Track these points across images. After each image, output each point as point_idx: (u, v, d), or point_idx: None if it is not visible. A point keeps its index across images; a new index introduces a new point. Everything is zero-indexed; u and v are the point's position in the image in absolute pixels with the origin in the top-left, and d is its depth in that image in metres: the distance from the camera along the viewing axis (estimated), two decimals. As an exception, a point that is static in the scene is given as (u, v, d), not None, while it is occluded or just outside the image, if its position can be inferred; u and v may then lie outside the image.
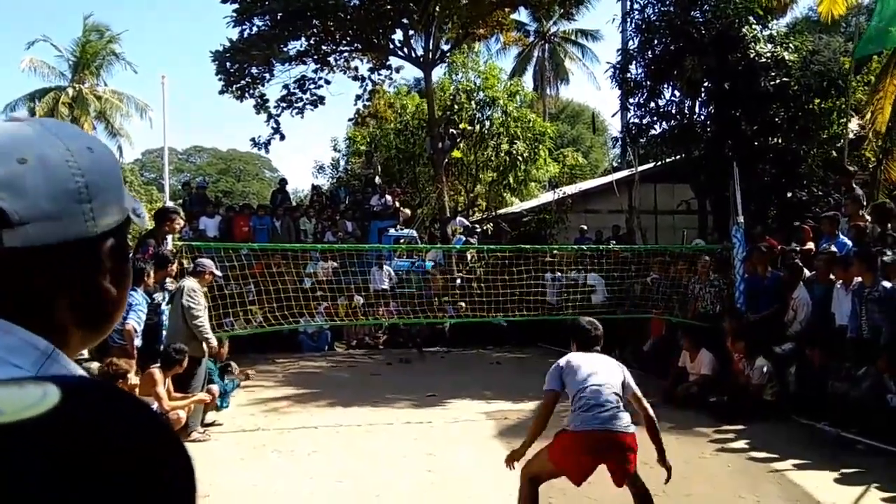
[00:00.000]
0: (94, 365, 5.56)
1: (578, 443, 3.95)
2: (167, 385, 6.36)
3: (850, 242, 8.31)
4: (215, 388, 7.34)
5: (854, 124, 14.22)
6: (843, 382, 6.68)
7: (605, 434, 3.86)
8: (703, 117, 14.44)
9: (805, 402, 7.17)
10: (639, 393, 4.05)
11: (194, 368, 6.61)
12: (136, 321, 6.40)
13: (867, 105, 14.84)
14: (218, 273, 7.23)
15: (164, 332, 7.04)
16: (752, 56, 12.72)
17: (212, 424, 7.10)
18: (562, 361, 4.14)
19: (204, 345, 6.69)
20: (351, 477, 5.50)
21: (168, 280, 7.32)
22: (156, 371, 6.20)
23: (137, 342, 6.40)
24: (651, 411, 4.02)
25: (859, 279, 7.07)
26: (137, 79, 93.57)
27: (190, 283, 6.79)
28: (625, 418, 3.88)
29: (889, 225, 8.15)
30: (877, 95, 14.91)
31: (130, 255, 0.84)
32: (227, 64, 16.61)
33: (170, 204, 8.39)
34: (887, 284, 6.79)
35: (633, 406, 4.05)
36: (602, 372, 4.01)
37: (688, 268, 10.22)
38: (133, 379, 5.78)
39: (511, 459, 4.19)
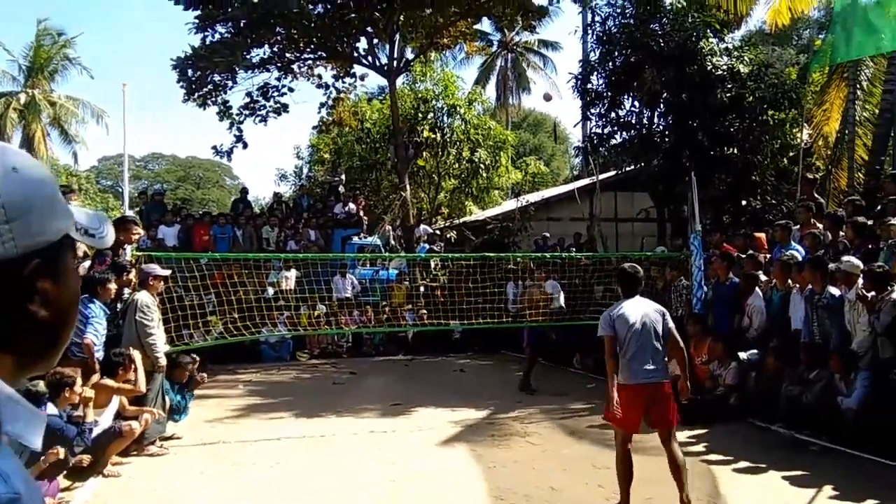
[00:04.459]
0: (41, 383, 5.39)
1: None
2: (121, 400, 6.21)
3: (802, 250, 8.56)
4: (167, 400, 7.21)
5: (805, 134, 14.71)
6: (797, 386, 6.87)
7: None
8: (661, 128, 14.75)
9: (761, 405, 7.35)
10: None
11: (148, 382, 6.47)
12: (93, 334, 6.25)
13: (813, 115, 15.39)
14: (162, 272, 7.09)
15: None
16: (708, 68, 13.05)
17: (170, 438, 6.96)
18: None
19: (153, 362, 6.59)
20: (314, 489, 5.45)
21: (126, 290, 7.17)
22: (108, 381, 6.05)
23: (99, 355, 6.25)
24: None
25: (810, 286, 7.29)
26: (94, 84, 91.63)
27: (143, 297, 6.66)
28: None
29: (840, 233, 8.42)
30: (823, 106, 15.48)
31: (70, 274, 0.81)
32: (189, 71, 16.36)
33: (129, 213, 8.21)
34: (835, 292, 7.01)
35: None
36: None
37: (660, 274, 10.40)
38: (87, 392, 5.63)
39: (607, 408, 4.74)
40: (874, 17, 10.02)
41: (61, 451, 4.78)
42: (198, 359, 8.18)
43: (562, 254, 12.90)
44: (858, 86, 14.42)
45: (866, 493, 4.97)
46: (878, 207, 9.18)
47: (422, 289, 14.42)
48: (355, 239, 15.99)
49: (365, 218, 17.29)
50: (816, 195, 10.77)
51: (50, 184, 0.79)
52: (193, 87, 16.88)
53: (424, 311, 12.98)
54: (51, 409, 5.17)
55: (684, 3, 13.93)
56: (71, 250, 0.82)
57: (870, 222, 8.09)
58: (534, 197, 19.47)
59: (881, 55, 12.61)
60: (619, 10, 14.70)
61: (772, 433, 6.92)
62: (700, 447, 6.57)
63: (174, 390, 7.58)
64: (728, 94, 13.11)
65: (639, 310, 4.69)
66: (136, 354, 6.24)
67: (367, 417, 8.09)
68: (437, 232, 18.50)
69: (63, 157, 31.62)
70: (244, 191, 19.52)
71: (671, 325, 4.74)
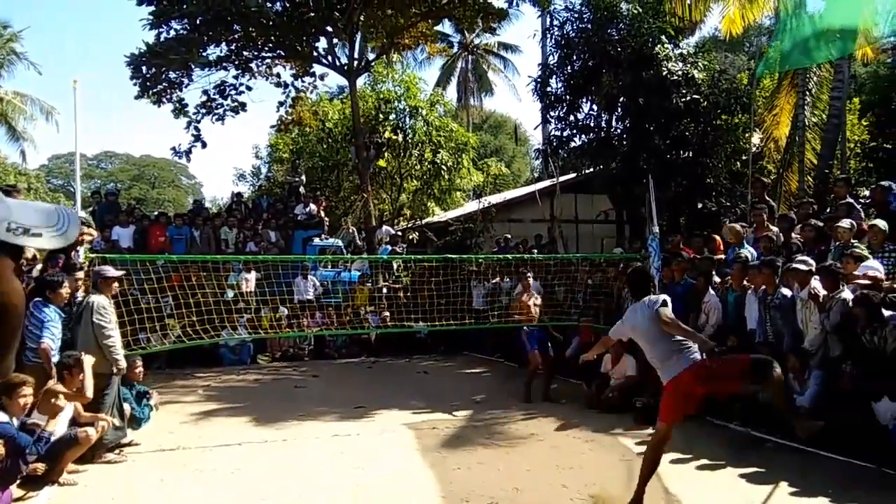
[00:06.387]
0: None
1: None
2: (76, 406, 6.03)
3: (754, 251, 8.81)
4: (127, 408, 7.03)
5: (756, 138, 15.14)
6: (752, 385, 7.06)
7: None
8: (619, 131, 15.01)
9: (718, 404, 7.53)
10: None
11: (104, 386, 6.29)
12: (50, 338, 6.05)
13: (764, 120, 15.87)
14: (115, 273, 6.89)
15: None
16: (664, 73, 13.34)
17: (128, 444, 6.78)
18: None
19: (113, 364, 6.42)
20: (276, 494, 5.38)
21: (80, 293, 6.96)
22: (60, 387, 5.87)
23: (55, 359, 6.04)
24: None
25: (764, 287, 7.51)
26: (43, 80, 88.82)
27: (99, 299, 6.47)
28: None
29: (793, 235, 8.70)
30: (773, 112, 15.97)
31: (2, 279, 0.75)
32: (143, 68, 16.00)
33: (81, 214, 7.98)
34: (786, 292, 7.25)
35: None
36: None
37: (615, 275, 10.58)
38: (62, 401, 5.47)
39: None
40: (819, 26, 10.35)
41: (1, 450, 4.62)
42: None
43: (523, 255, 13.01)
44: (807, 92, 14.91)
45: (820, 489, 5.14)
46: (828, 210, 9.52)
47: (384, 290, 14.37)
48: (316, 240, 15.85)
49: (326, 219, 17.16)
50: (768, 198, 11.09)
51: None
52: (148, 84, 16.53)
53: (387, 313, 12.94)
54: (1, 416, 5.00)
55: (640, 10, 14.21)
56: (4, 255, 0.74)
57: (821, 224, 8.39)
58: (495, 198, 19.62)
59: (829, 62, 13.07)
60: (576, 15, 14.93)
61: (728, 431, 7.10)
62: (660, 445, 6.69)
63: (133, 397, 7.40)
64: (683, 99, 13.43)
65: (635, 313, 4.89)
66: (89, 359, 6.06)
67: (330, 421, 8.02)
68: (399, 233, 18.47)
69: (11, 155, 30.57)
70: (197, 202, 19.49)
71: (658, 306, 4.71)
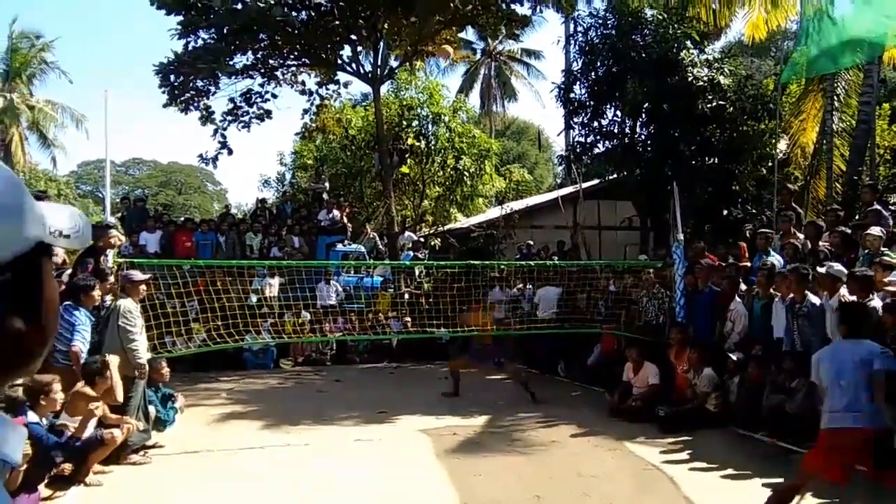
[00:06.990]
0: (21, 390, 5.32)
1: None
2: (102, 407, 6.13)
3: (780, 259, 8.69)
4: (152, 410, 7.13)
5: (783, 145, 14.93)
6: (779, 394, 6.95)
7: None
8: (643, 137, 14.92)
9: (744, 414, 7.43)
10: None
11: (129, 389, 6.39)
12: (81, 342, 6.17)
13: (790, 126, 15.67)
14: (140, 277, 6.99)
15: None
16: (689, 79, 13.24)
17: (153, 447, 6.87)
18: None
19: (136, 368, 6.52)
20: (297, 499, 5.42)
21: (108, 298, 7.09)
22: (87, 389, 5.97)
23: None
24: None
25: (791, 295, 7.39)
26: (73, 88, 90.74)
27: (126, 303, 6.59)
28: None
29: (820, 242, 8.56)
30: (800, 117, 15.75)
31: (47, 283, 0.78)
32: (172, 77, 16.26)
33: (111, 219, 8.14)
34: (815, 300, 7.12)
35: None
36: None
37: (634, 282, 10.50)
38: (94, 405, 5.56)
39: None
40: (843, 31, 10.15)
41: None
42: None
43: (546, 262, 12.97)
44: (835, 97, 14.68)
45: (847, 500, 5.04)
46: (857, 217, 9.35)
47: (406, 296, 14.42)
48: (339, 246, 15.95)
49: (349, 225, 17.27)
50: (794, 205, 10.93)
51: (13, 194, 0.75)
52: (176, 92, 16.78)
53: (409, 319, 12.96)
54: (31, 416, 5.10)
55: (665, 15, 14.14)
56: (47, 257, 0.78)
57: (848, 231, 8.25)
58: (518, 205, 19.59)
59: (857, 67, 12.86)
60: (601, 21, 14.89)
61: (754, 441, 6.99)
62: (683, 455, 6.63)
63: (158, 400, 7.50)
64: (709, 105, 13.31)
65: (838, 354, 4.77)
66: (114, 360, 6.16)
67: (352, 426, 8.06)
68: (422, 239, 18.51)
69: (42, 161, 31.31)
70: (226, 209, 19.66)
71: (880, 367, 4.46)
